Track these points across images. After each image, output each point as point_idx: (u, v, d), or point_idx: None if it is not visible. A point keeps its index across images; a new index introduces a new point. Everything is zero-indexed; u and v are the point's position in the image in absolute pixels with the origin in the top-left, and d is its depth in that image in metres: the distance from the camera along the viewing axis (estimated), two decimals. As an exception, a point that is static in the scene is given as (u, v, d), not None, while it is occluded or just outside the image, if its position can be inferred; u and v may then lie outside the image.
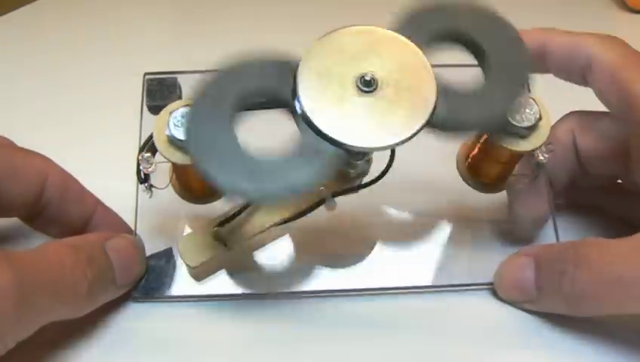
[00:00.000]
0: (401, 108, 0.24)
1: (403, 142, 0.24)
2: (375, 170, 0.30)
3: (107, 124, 0.47)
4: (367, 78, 0.24)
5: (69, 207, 0.31)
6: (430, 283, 0.31)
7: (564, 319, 0.30)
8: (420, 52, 0.25)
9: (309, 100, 0.24)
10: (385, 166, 0.29)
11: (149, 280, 0.30)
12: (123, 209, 0.33)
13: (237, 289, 0.31)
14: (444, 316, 0.31)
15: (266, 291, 0.31)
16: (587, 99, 0.31)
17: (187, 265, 0.29)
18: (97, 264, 0.27)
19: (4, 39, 0.64)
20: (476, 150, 0.32)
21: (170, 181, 0.30)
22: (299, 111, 0.24)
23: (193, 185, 0.30)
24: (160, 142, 0.26)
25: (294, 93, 0.24)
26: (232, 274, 0.32)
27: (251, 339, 0.29)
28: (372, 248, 0.33)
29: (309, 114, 0.23)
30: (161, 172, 0.30)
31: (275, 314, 0.31)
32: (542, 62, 0.31)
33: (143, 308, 0.30)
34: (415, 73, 0.25)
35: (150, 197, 0.30)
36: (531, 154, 0.30)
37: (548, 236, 0.33)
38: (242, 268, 0.32)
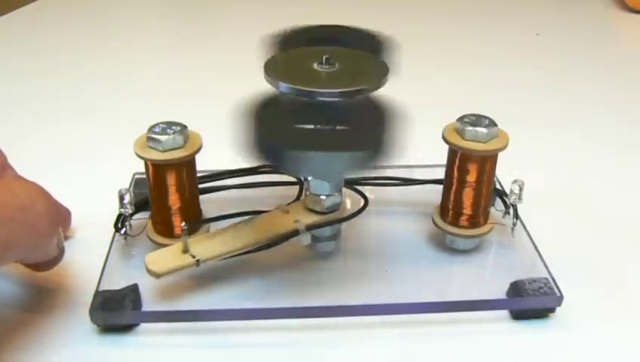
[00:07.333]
0: (356, 74, 0.30)
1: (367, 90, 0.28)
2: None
3: (106, 123, 0.47)
4: (327, 57, 0.29)
5: None
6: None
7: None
8: (368, 54, 0.31)
9: (283, 76, 0.29)
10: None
11: (111, 308, 0.28)
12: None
13: (202, 314, 0.29)
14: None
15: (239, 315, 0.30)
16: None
17: (151, 272, 0.29)
18: (55, 202, 0.27)
19: (4, 39, 0.64)
20: (450, 185, 0.33)
21: (145, 228, 0.32)
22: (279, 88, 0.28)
23: (171, 202, 0.31)
24: (138, 146, 0.30)
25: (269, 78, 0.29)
26: (198, 295, 0.31)
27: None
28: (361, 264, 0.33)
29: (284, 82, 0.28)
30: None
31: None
32: None
33: (105, 341, 0.29)
34: (365, 62, 0.31)
35: (126, 245, 0.32)
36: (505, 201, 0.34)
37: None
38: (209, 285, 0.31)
